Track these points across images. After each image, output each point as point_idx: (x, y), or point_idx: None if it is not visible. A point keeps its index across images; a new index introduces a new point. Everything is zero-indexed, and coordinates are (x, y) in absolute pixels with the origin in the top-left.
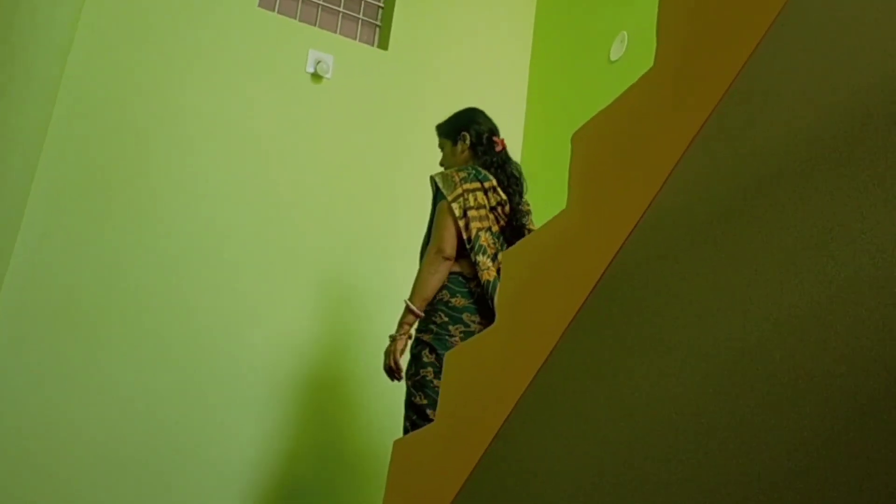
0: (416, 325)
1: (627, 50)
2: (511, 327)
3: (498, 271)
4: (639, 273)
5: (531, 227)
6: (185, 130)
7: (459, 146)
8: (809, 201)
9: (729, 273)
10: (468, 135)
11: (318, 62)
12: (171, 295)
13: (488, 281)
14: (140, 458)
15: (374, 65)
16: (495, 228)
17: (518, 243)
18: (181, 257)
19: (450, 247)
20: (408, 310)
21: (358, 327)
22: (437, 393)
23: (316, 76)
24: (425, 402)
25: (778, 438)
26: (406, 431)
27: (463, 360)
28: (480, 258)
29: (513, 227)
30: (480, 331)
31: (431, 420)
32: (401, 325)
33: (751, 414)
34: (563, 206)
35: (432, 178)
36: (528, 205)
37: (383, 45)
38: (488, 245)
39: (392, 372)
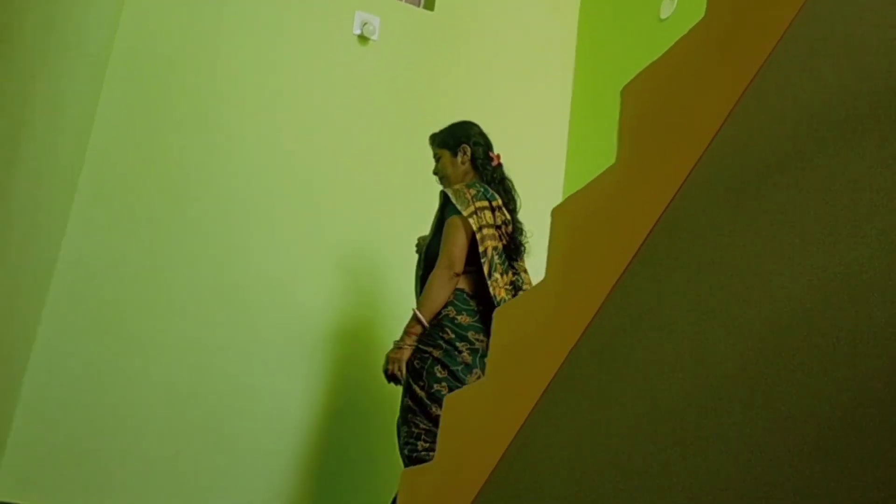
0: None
1: (677, 8)
2: (560, 283)
3: (511, 285)
4: (687, 229)
5: (525, 244)
6: (230, 94)
7: (460, 158)
8: (867, 158)
9: (778, 231)
10: (469, 147)
11: (365, 24)
12: (217, 263)
13: (504, 299)
14: (197, 421)
15: (420, 26)
16: (499, 246)
17: (566, 200)
18: (224, 226)
19: (460, 263)
20: (416, 319)
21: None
22: None
23: (362, 38)
24: (440, 413)
25: (824, 399)
26: (408, 442)
27: (512, 316)
28: (496, 275)
29: (513, 245)
30: (485, 349)
31: None
32: (408, 333)
33: (794, 374)
34: (611, 162)
35: (443, 193)
36: (520, 223)
37: (429, 5)
38: (499, 263)
39: (394, 378)
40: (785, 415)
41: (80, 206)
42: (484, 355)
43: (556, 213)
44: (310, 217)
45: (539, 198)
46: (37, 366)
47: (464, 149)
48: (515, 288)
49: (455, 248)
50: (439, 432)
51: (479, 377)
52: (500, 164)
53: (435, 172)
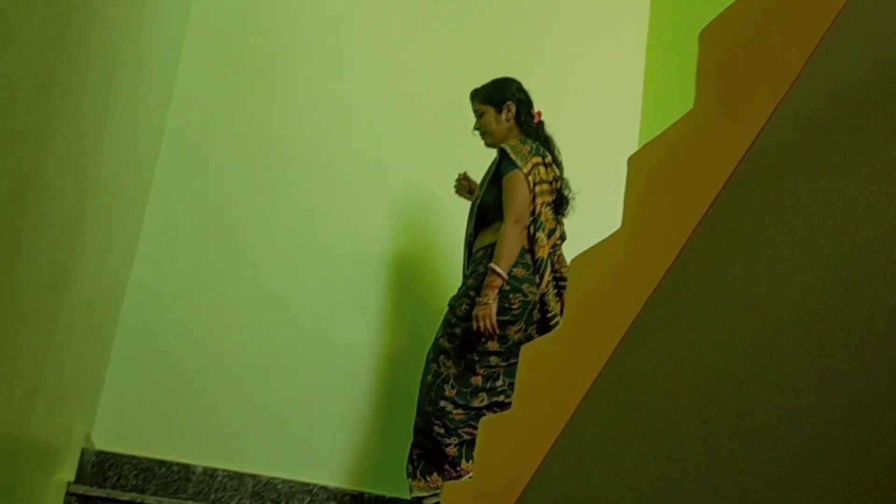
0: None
1: None
2: (636, 232)
3: (553, 248)
4: (768, 174)
5: (572, 199)
6: (300, 53)
7: (504, 115)
8: None
9: (862, 176)
10: (513, 104)
11: None
12: (297, 210)
13: (542, 258)
14: (277, 374)
15: None
16: (550, 201)
17: (642, 147)
18: (301, 186)
19: (527, 215)
20: (495, 273)
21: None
22: (492, 353)
23: None
24: (477, 357)
25: None
26: (436, 383)
27: (588, 265)
28: (540, 234)
29: (560, 199)
30: (537, 302)
31: (478, 375)
32: (490, 287)
33: (874, 324)
34: (688, 107)
35: (501, 149)
36: (566, 178)
37: None
38: (547, 221)
39: (488, 333)
40: (867, 363)
41: (162, 172)
42: (535, 307)
43: (633, 161)
44: (383, 175)
45: (615, 146)
46: (126, 323)
47: (508, 105)
48: (562, 239)
49: (522, 202)
50: (517, 381)
51: (520, 329)
52: (541, 122)
53: (476, 128)
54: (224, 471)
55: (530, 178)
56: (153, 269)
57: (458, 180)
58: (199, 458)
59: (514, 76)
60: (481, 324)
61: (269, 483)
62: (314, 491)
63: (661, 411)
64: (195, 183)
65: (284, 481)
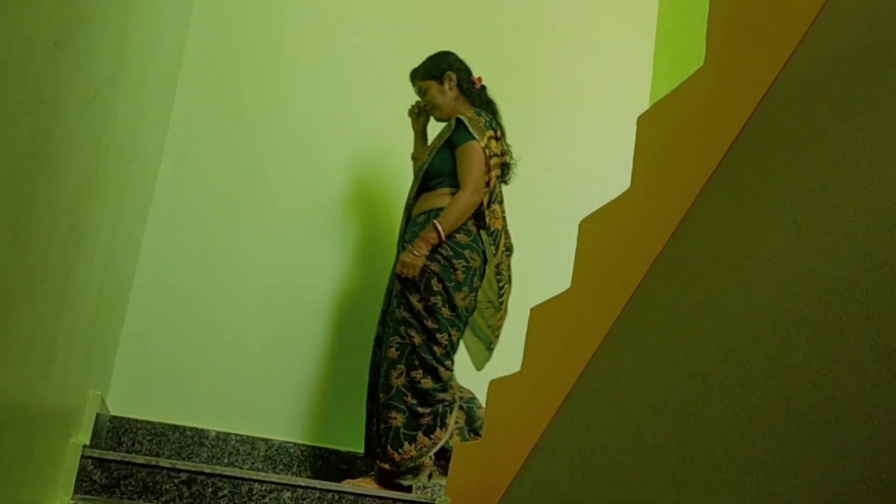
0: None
1: None
2: (646, 191)
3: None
4: (777, 130)
5: (513, 164)
6: (307, 31)
7: (447, 85)
8: None
9: (873, 132)
10: (453, 74)
11: None
12: (304, 185)
13: (497, 229)
14: (289, 341)
15: None
16: (500, 174)
17: (652, 106)
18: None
19: (483, 187)
20: (435, 231)
21: None
22: (447, 319)
23: None
24: (436, 326)
25: None
26: (400, 349)
27: (596, 226)
28: (495, 206)
29: (505, 168)
30: (479, 268)
31: (440, 343)
32: (425, 241)
33: (888, 280)
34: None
35: (459, 119)
36: (508, 146)
37: None
38: (499, 193)
39: (408, 282)
40: (883, 320)
41: (173, 145)
42: (475, 273)
43: (642, 120)
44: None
45: (625, 106)
46: (139, 291)
47: (449, 76)
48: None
49: (480, 174)
50: (525, 343)
51: (466, 296)
52: (483, 86)
53: (424, 106)
54: (237, 435)
55: (486, 151)
56: (165, 235)
57: (417, 106)
58: (212, 423)
59: (524, 39)
60: (404, 270)
61: (282, 447)
62: (325, 455)
63: (670, 369)
64: (206, 147)
65: (296, 445)
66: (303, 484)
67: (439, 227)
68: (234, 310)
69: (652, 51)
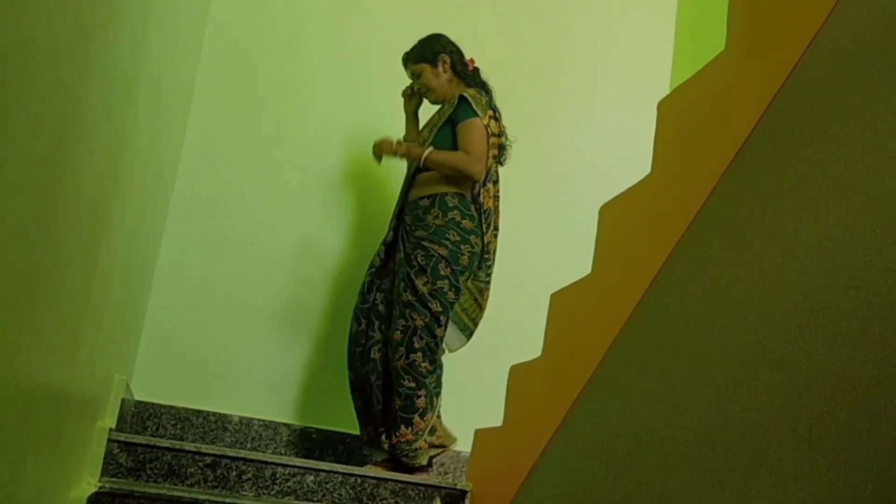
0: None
1: None
2: (667, 176)
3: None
4: (798, 114)
5: (508, 145)
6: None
7: (441, 67)
8: None
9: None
10: (447, 56)
11: None
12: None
13: (489, 209)
14: (305, 328)
15: None
16: (496, 153)
17: (672, 91)
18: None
19: (481, 162)
20: (423, 154)
21: None
22: (450, 303)
23: None
24: (440, 309)
25: None
26: (403, 332)
27: (616, 211)
28: (489, 185)
29: (501, 149)
30: (479, 253)
31: (442, 326)
32: (412, 153)
33: None
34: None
35: (462, 96)
36: (504, 127)
37: None
38: (492, 171)
39: (380, 153)
40: None
41: (193, 134)
42: (476, 258)
43: (663, 105)
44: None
45: (645, 92)
46: (162, 277)
47: (443, 58)
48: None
49: (483, 148)
50: (545, 328)
51: (466, 280)
52: (476, 68)
53: (418, 89)
54: (260, 420)
55: (487, 129)
56: (188, 221)
57: (411, 87)
58: (235, 409)
59: (543, 25)
60: (376, 147)
61: (304, 432)
62: (347, 440)
63: (692, 352)
64: (225, 137)
65: (319, 430)
66: (325, 468)
67: (427, 156)
68: (256, 297)
69: (672, 36)
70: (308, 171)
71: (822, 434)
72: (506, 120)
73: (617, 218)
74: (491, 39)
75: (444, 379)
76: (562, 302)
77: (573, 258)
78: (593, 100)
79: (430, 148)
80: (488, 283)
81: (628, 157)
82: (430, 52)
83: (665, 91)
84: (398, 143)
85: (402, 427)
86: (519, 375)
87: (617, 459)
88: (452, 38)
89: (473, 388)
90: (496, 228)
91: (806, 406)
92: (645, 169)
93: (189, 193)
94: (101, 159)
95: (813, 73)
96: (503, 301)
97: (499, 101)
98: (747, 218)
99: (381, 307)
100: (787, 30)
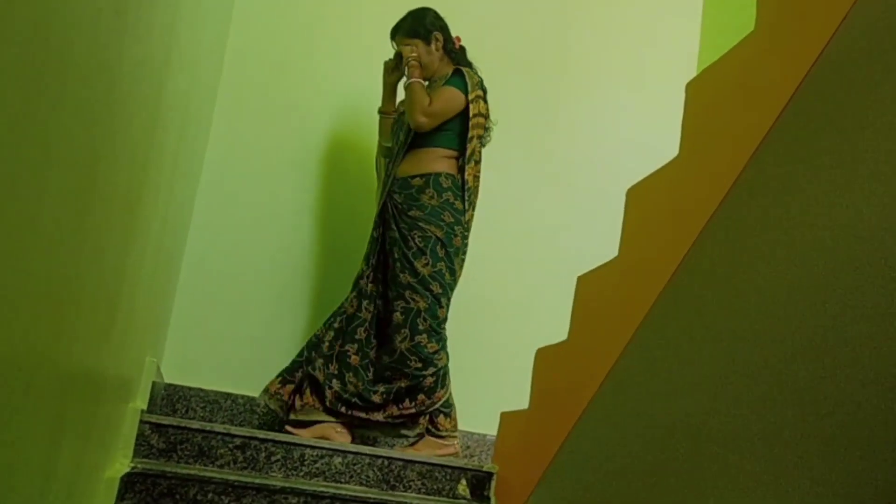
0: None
1: None
2: (695, 158)
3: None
4: (828, 96)
5: (489, 127)
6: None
7: (434, 45)
8: None
9: None
10: (439, 33)
11: None
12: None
13: (472, 188)
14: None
15: None
16: (481, 134)
17: (700, 73)
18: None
19: (437, 119)
20: (413, 79)
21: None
22: (448, 284)
23: None
24: (441, 291)
25: None
26: (405, 314)
27: (643, 194)
28: (472, 165)
29: (486, 133)
30: (467, 235)
31: (444, 307)
32: (412, 70)
33: None
34: (748, 31)
35: (458, 69)
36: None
37: None
38: (476, 151)
39: (397, 63)
40: None
41: (220, 120)
42: (466, 239)
43: (691, 87)
44: None
45: (672, 73)
46: (189, 266)
47: (436, 36)
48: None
49: (445, 113)
50: (572, 312)
51: (462, 263)
52: (462, 46)
53: (406, 64)
54: None
55: (472, 106)
56: (216, 203)
57: (397, 58)
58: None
59: (568, 8)
60: (395, 65)
61: None
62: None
63: (721, 335)
64: (253, 123)
65: None
66: (353, 450)
67: (412, 82)
68: (284, 282)
69: (699, 15)
70: (335, 159)
71: (847, 423)
72: (532, 102)
73: (644, 201)
74: (514, 17)
75: (470, 363)
76: (588, 285)
77: (600, 241)
78: (620, 82)
79: (422, 81)
80: (464, 259)
81: (656, 140)
82: (424, 28)
83: (691, 73)
84: (396, 72)
85: (407, 400)
86: (545, 359)
87: (644, 440)
88: (482, 18)
89: (499, 372)
90: (473, 208)
91: (835, 391)
92: (673, 151)
93: (219, 173)
94: (136, 141)
95: (843, 55)
96: (530, 284)
97: (524, 82)
98: (777, 201)
99: (370, 286)
100: (817, 9)
